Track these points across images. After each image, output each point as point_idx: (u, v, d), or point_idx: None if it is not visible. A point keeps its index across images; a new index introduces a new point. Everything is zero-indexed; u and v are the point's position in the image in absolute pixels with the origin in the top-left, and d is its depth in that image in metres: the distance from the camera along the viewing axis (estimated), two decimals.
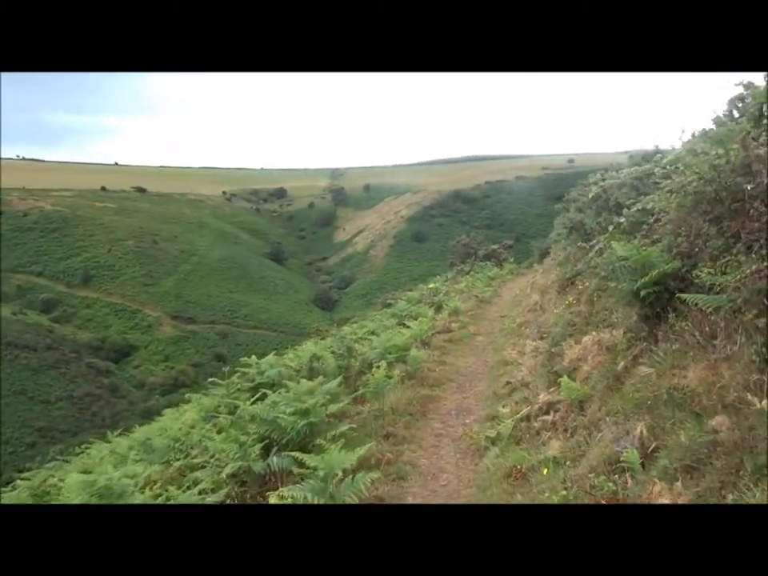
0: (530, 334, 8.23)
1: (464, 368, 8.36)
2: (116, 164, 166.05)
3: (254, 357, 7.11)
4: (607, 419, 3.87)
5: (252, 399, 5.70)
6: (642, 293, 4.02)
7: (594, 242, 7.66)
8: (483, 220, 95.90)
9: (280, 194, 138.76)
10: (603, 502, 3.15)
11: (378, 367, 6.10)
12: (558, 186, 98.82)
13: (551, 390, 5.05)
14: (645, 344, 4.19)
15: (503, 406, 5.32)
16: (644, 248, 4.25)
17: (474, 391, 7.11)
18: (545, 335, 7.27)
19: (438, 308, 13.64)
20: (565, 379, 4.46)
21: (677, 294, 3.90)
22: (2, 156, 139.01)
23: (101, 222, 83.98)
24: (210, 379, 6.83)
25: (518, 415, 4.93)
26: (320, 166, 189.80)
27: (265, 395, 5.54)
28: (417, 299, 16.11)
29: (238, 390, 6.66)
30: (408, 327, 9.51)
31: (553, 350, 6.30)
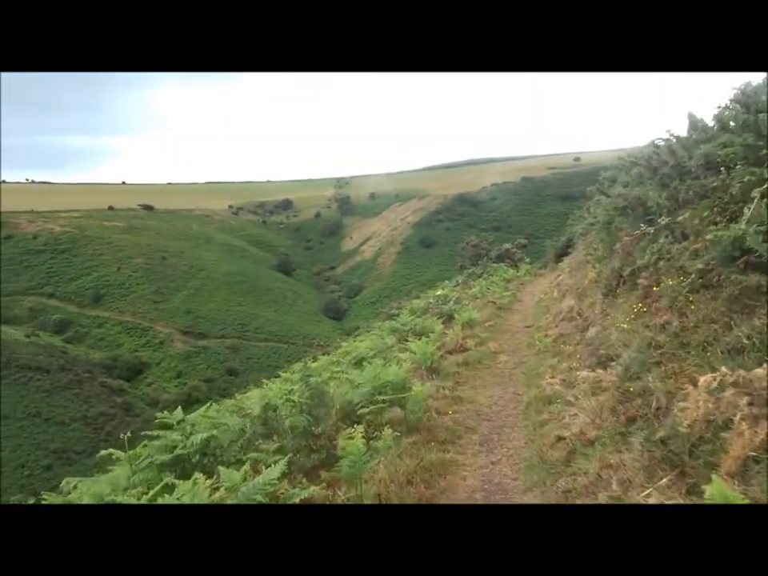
0: (581, 356, 5.88)
1: (488, 407, 5.99)
2: (123, 183, 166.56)
3: (179, 409, 4.74)
4: None
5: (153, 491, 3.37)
6: None
7: (667, 221, 5.36)
8: (491, 222, 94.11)
9: (286, 205, 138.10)
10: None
11: (355, 430, 3.79)
12: (566, 185, 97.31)
13: (660, 476, 2.72)
14: None
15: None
16: None
17: (507, 449, 4.76)
18: (608, 360, 4.93)
19: (449, 319, 11.32)
20: (716, 481, 2.11)
21: None
22: (11, 180, 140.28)
23: (109, 241, 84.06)
24: (102, 453, 4.42)
25: None
26: (325, 175, 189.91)
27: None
28: (423, 309, 13.77)
29: (150, 464, 4.33)
30: (409, 350, 7.20)
31: (631, 389, 3.99)
